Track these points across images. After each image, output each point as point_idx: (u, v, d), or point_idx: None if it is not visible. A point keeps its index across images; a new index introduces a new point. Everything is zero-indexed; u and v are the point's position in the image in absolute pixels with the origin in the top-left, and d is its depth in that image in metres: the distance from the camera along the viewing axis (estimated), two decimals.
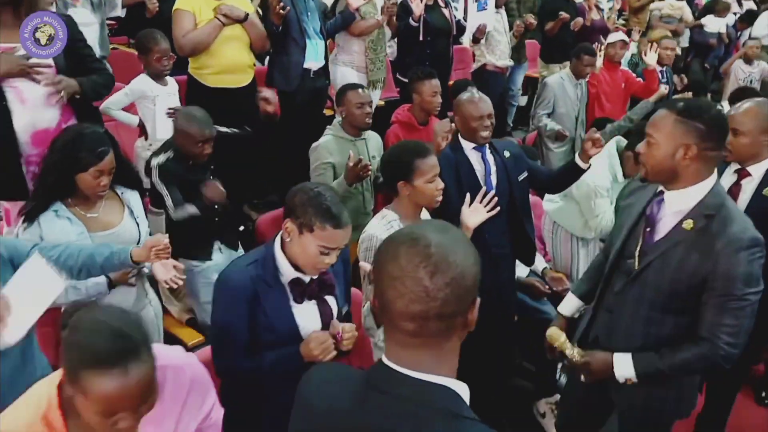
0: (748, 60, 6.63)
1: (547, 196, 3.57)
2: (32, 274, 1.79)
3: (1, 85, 2.74)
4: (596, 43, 5.19)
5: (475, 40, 5.35)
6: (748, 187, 2.51)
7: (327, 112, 4.76)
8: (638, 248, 2.02)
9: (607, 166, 3.35)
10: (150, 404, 1.35)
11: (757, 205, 2.44)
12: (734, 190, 2.53)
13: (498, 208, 2.57)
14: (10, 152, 2.82)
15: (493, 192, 2.62)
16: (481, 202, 2.55)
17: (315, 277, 1.98)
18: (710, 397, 2.85)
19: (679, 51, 5.88)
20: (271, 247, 1.98)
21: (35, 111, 2.84)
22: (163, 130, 3.55)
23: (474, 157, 2.76)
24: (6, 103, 2.78)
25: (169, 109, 3.56)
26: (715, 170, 1.95)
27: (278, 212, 3.39)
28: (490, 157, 2.77)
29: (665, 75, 5.28)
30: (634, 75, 5.22)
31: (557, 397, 3.09)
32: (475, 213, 2.54)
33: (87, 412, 1.32)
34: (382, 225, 2.34)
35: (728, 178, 2.56)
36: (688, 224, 1.90)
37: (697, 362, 1.95)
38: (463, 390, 1.09)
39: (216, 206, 2.95)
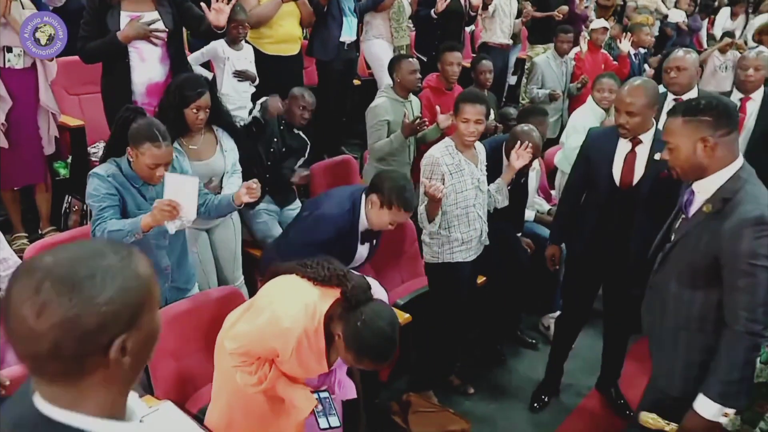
0: (722, 50, 7.13)
1: (556, 154, 4.26)
2: (174, 182, 2.47)
3: (127, 45, 3.26)
4: (581, 31, 5.97)
5: (484, 6, 5.83)
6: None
7: (355, 82, 5.33)
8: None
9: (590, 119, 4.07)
10: None
11: None
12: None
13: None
14: (126, 100, 3.29)
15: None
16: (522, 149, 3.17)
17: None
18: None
19: (652, 39, 6.69)
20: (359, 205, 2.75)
21: (152, 67, 3.37)
22: (227, 86, 4.06)
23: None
24: (128, 60, 3.30)
25: (236, 70, 4.05)
26: (740, 154, 2.04)
27: (326, 162, 4.24)
28: None
29: (638, 56, 6.12)
30: (611, 58, 6.02)
31: (558, 313, 3.72)
32: (520, 157, 3.18)
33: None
34: (441, 147, 3.00)
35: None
36: (707, 207, 2.02)
37: (737, 353, 1.95)
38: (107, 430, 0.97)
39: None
